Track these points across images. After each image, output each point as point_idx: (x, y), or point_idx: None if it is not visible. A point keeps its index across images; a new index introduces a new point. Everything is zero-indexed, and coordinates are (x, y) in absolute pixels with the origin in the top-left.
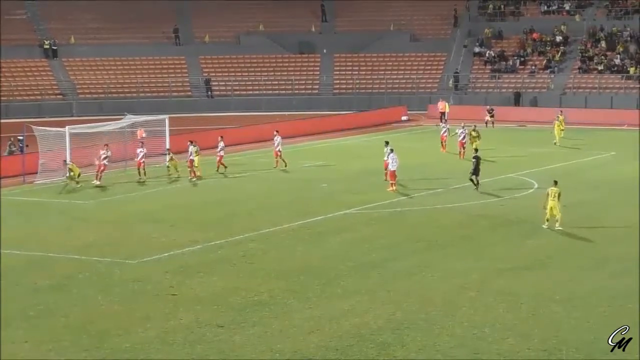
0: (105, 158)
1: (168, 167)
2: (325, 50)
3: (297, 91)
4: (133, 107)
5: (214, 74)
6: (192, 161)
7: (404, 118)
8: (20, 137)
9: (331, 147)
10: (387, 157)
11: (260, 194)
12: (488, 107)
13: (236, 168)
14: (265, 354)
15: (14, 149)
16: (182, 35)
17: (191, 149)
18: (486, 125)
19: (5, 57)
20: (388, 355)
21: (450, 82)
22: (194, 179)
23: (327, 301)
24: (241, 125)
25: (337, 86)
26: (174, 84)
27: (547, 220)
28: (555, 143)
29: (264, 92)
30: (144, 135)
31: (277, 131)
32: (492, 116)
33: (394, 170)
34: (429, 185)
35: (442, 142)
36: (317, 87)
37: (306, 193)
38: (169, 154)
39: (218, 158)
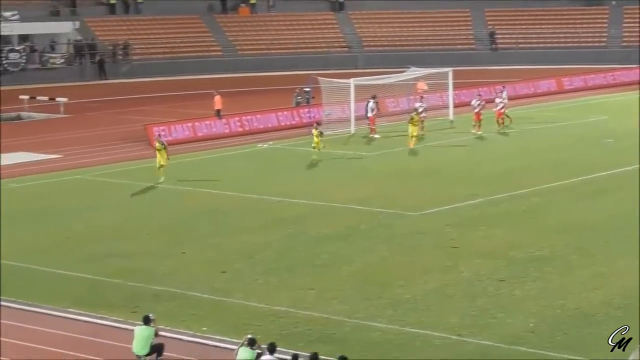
0: (373, 111)
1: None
2: (614, 2)
3: (583, 44)
4: (416, 59)
5: (498, 27)
6: (500, 112)
7: None
8: (307, 89)
9: (617, 101)
10: None
11: (542, 149)
12: None
13: (520, 122)
14: (546, 310)
15: (300, 100)
16: None
17: (473, 102)
18: None
19: (294, 10)
20: None
21: None
22: (478, 133)
23: (610, 258)
24: (525, 78)
25: (627, 39)
26: (457, 37)
27: None
28: None
29: (549, 44)
30: (425, 87)
31: (503, 87)
32: None
33: None
34: None
35: None
36: (604, 40)
37: (590, 148)
38: (316, 128)
39: (498, 113)
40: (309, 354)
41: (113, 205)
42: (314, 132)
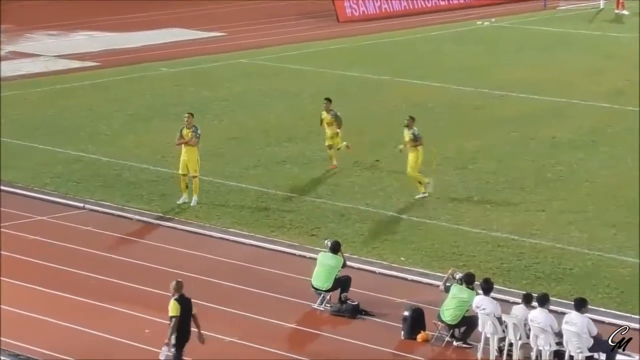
0: None
1: None
2: None
3: None
4: None
5: None
6: None
7: None
8: None
9: None
10: None
11: None
12: None
13: None
14: None
15: None
16: None
17: None
18: None
19: None
20: None
21: None
22: None
23: None
24: None
25: None
26: None
27: None
28: None
29: None
30: None
31: None
32: None
33: None
34: None
35: None
36: None
37: None
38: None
39: None
40: (536, 295)
41: (286, 98)
42: (325, 115)
